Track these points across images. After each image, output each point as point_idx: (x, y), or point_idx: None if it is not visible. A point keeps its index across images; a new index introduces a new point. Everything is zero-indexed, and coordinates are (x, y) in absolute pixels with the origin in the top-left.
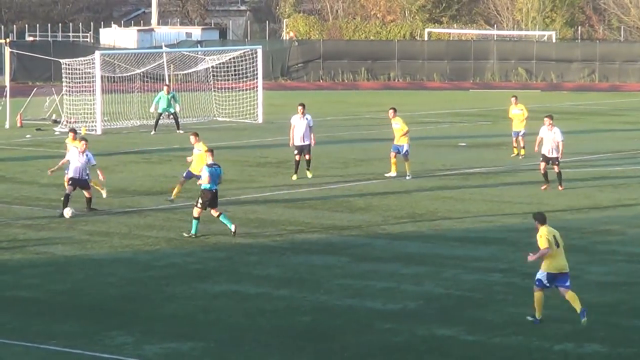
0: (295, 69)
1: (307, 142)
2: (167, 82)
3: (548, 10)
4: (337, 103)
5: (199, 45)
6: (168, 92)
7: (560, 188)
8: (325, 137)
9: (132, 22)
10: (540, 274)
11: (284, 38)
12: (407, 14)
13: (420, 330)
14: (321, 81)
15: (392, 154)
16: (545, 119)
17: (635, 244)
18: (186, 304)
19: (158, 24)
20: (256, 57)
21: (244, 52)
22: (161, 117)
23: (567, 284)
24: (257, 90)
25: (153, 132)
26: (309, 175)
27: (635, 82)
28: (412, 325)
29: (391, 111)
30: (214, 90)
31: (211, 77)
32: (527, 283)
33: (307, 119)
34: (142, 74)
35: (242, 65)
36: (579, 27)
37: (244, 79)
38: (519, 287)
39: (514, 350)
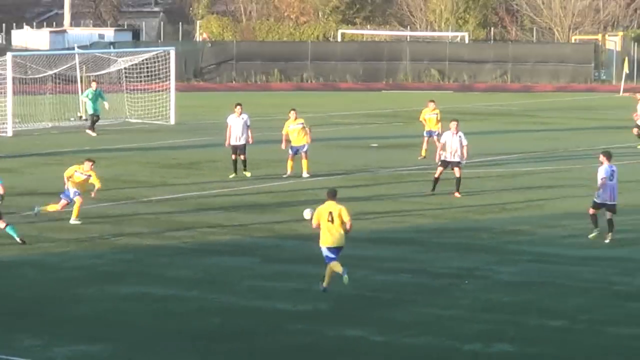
0: (208, 70)
1: (242, 142)
2: (94, 79)
3: (461, 11)
4: (250, 104)
5: (111, 46)
6: (95, 89)
7: (456, 194)
8: None
9: (45, 23)
10: (323, 250)
11: (197, 39)
12: (320, 15)
13: (331, 331)
14: (234, 82)
15: (291, 156)
16: (452, 123)
17: (544, 244)
18: (96, 306)
19: (71, 25)
20: (169, 58)
21: (157, 54)
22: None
23: (338, 255)
24: (169, 92)
25: (94, 134)
26: (248, 174)
27: (547, 82)
28: (323, 326)
29: (294, 112)
30: (127, 92)
31: (124, 79)
32: (436, 283)
33: (243, 118)
34: (54, 75)
35: (154, 67)
36: (492, 28)
37: (157, 80)
38: (428, 287)
39: (423, 350)
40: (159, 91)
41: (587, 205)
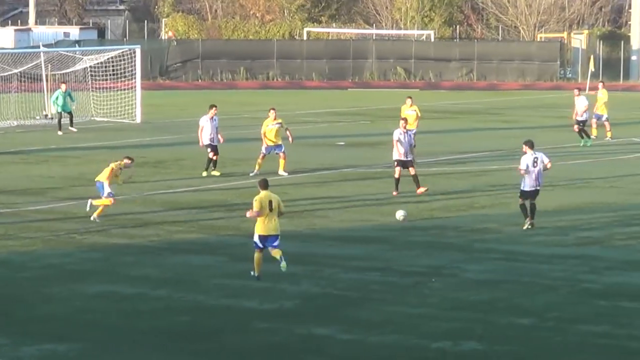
0: (173, 68)
1: (215, 143)
2: (64, 81)
3: (427, 9)
4: (216, 103)
5: (77, 44)
6: (65, 90)
7: (418, 191)
8: None
9: (10, 21)
10: (255, 237)
11: (163, 38)
12: (286, 14)
13: (298, 329)
14: (200, 81)
15: (263, 155)
16: (401, 121)
17: (511, 242)
18: (63, 305)
19: (36, 23)
20: (134, 56)
21: (123, 52)
22: (62, 117)
23: (276, 244)
24: (135, 90)
25: (60, 132)
26: (217, 174)
27: (513, 80)
28: (290, 324)
29: (273, 111)
30: (92, 90)
31: (89, 77)
32: (404, 281)
33: (214, 119)
34: (19, 73)
35: (120, 65)
36: (458, 27)
37: (122, 79)
38: (396, 285)
39: (391, 348)
40: (124, 89)
41: (554, 203)
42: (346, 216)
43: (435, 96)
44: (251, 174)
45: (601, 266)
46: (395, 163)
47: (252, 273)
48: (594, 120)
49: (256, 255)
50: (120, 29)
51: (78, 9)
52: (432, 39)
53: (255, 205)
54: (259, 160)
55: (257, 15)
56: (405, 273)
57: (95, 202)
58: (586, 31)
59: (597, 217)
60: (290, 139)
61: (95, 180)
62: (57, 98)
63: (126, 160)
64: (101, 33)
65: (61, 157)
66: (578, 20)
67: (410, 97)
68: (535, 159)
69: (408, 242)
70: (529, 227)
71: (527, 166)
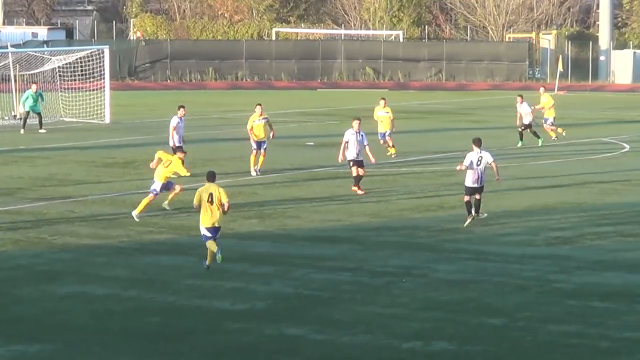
0: (142, 69)
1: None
2: (34, 81)
3: (395, 9)
4: (185, 103)
5: (45, 45)
6: (36, 91)
7: (359, 192)
8: None
9: None
10: (202, 229)
11: (131, 38)
12: (254, 14)
13: (269, 329)
14: (168, 81)
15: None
16: (354, 122)
17: (482, 242)
18: (33, 306)
19: (3, 23)
20: (103, 57)
21: (91, 52)
22: (29, 117)
23: (216, 235)
24: (104, 91)
25: (22, 131)
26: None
27: (482, 81)
28: (261, 324)
29: (259, 107)
30: (61, 91)
31: (58, 77)
32: (375, 281)
33: (183, 120)
34: None
35: (89, 65)
36: (426, 27)
37: (91, 79)
38: (367, 285)
39: (362, 348)
40: (93, 90)
41: (524, 203)
42: (317, 216)
43: (404, 96)
44: (256, 174)
45: (572, 266)
46: (352, 163)
47: (204, 262)
48: (546, 125)
49: (208, 244)
50: (88, 29)
51: (46, 10)
52: (401, 39)
53: (195, 198)
54: (252, 157)
55: (226, 15)
56: (377, 273)
57: (168, 200)
58: (554, 31)
59: (568, 217)
60: (271, 134)
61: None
62: (27, 98)
63: (179, 154)
64: (69, 33)
65: (30, 158)
66: (546, 21)
67: (384, 99)
68: (480, 158)
69: (379, 242)
70: (470, 221)
71: (472, 163)
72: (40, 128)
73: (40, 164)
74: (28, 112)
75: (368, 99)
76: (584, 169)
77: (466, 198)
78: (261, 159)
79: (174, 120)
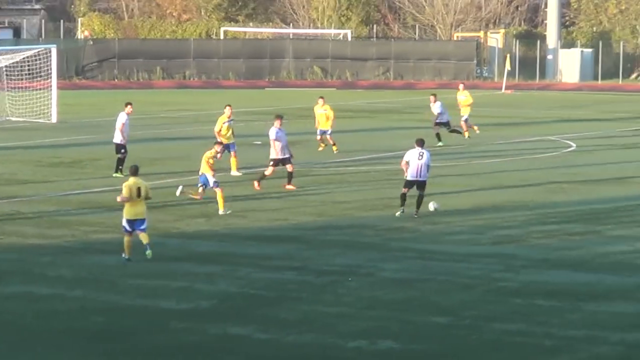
0: (89, 68)
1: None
2: None
3: (344, 8)
4: (132, 102)
5: None
6: None
7: (289, 187)
8: None
9: None
10: (123, 221)
11: (79, 37)
12: (203, 13)
13: (214, 329)
14: (116, 80)
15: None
16: (276, 121)
17: (427, 241)
18: None
19: None
20: (50, 56)
21: (38, 52)
22: None
23: (143, 227)
24: (51, 90)
25: None
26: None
27: (430, 79)
28: (206, 324)
29: (229, 108)
30: (8, 90)
31: (4, 77)
32: (320, 281)
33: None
34: None
35: (36, 65)
36: (374, 26)
37: (38, 79)
38: (312, 284)
39: (307, 347)
40: (40, 89)
41: (470, 202)
42: (263, 216)
43: (351, 95)
44: (236, 174)
45: (517, 265)
46: (272, 162)
47: (123, 255)
48: (462, 122)
49: (126, 239)
50: (36, 28)
51: None
52: (349, 38)
53: (125, 192)
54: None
55: (174, 14)
56: (322, 272)
57: (190, 193)
58: (502, 30)
59: (514, 216)
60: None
61: (199, 174)
62: None
63: (217, 147)
64: (17, 32)
65: None
66: (494, 20)
67: (322, 97)
68: (421, 154)
69: (324, 241)
70: (401, 213)
71: (411, 159)
72: None
73: None
74: None
75: (316, 98)
76: (530, 167)
77: (404, 190)
78: (234, 160)
79: (122, 117)
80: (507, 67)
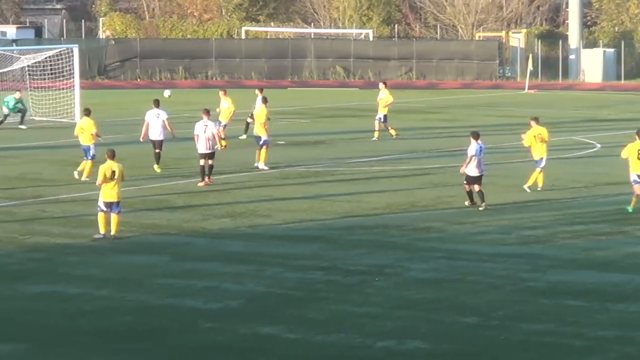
0: (112, 67)
1: (160, 138)
2: (19, 89)
3: (365, 8)
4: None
5: (14, 44)
6: (19, 97)
7: (209, 181)
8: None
9: None
10: (99, 201)
11: (101, 37)
12: (224, 13)
13: (242, 329)
14: (138, 80)
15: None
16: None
17: (454, 241)
18: (5, 305)
19: None
20: (72, 56)
21: (60, 51)
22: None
23: (117, 210)
24: (73, 90)
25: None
26: (158, 170)
27: (452, 79)
28: (234, 324)
29: (259, 90)
30: (30, 90)
31: (27, 76)
32: (348, 280)
33: (157, 115)
34: None
35: (58, 64)
36: (396, 26)
37: (61, 78)
38: (340, 284)
39: (336, 347)
40: (63, 89)
41: (497, 202)
42: (289, 215)
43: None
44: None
45: (544, 265)
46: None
47: (97, 235)
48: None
49: (100, 215)
50: (57, 28)
51: (15, 8)
52: (371, 38)
53: (100, 175)
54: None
55: (195, 14)
56: (349, 272)
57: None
58: (524, 30)
59: (540, 216)
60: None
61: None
62: (7, 102)
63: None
64: (38, 32)
65: (0, 157)
66: (516, 20)
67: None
68: (481, 148)
69: (352, 241)
70: (468, 205)
71: (476, 151)
72: (21, 124)
73: (10, 164)
74: (6, 116)
75: (338, 97)
76: (555, 167)
77: (467, 187)
78: (262, 153)
79: (163, 115)
80: (530, 67)
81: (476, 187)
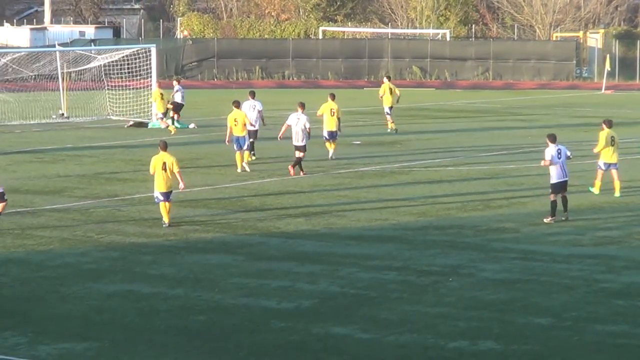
0: (189, 67)
1: (254, 128)
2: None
3: (442, 8)
4: (231, 102)
5: (92, 44)
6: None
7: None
8: (218, 137)
9: (25, 20)
10: (155, 192)
11: (178, 36)
12: (301, 13)
13: (315, 328)
14: (215, 80)
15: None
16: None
17: (528, 242)
18: (80, 304)
19: (51, 22)
20: (150, 55)
21: (138, 51)
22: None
23: (169, 198)
24: (151, 89)
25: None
26: (252, 158)
27: (529, 80)
28: (307, 323)
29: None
30: (108, 89)
31: (104, 76)
32: (422, 281)
33: (255, 106)
34: (35, 72)
35: (135, 64)
36: (473, 26)
37: (138, 77)
38: (413, 285)
39: (408, 348)
40: (140, 88)
41: (570, 203)
42: (363, 215)
43: (451, 95)
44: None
45: (619, 266)
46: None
47: (164, 225)
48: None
49: (161, 205)
50: (135, 28)
51: (93, 8)
52: (448, 38)
53: (151, 166)
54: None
55: (272, 14)
56: (423, 272)
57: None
58: (602, 30)
59: (615, 217)
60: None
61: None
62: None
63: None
64: (116, 32)
65: (77, 156)
66: (594, 20)
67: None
68: (559, 150)
69: (425, 241)
70: (548, 222)
71: (552, 157)
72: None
73: (87, 163)
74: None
75: (415, 97)
76: (630, 168)
77: (552, 197)
78: (333, 144)
79: (259, 105)
80: (607, 67)
81: (562, 194)
